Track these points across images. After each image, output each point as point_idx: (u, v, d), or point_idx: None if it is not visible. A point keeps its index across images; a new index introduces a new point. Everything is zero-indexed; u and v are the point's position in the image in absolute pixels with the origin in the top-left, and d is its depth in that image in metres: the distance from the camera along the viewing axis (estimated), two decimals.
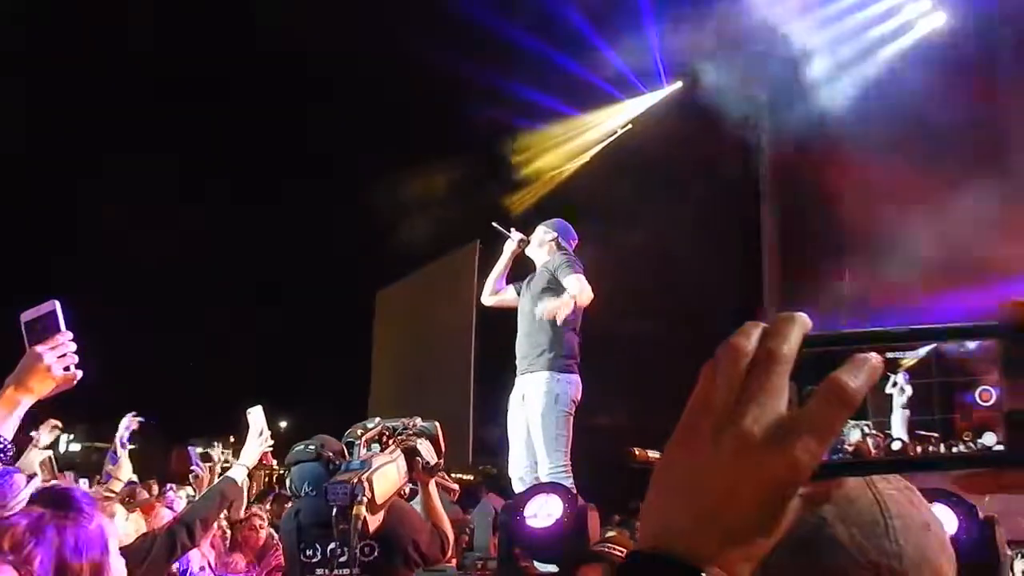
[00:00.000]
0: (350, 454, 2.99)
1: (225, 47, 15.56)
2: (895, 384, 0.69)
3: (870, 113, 10.98)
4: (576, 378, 5.42)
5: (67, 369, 1.97)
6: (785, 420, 0.61)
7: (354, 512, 2.63)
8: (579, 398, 5.39)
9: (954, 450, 0.66)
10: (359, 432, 3.03)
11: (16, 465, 4.29)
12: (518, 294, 5.80)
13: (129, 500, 4.49)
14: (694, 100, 12.51)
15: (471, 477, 11.90)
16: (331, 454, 2.98)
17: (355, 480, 2.69)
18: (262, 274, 19.26)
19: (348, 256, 17.65)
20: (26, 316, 1.99)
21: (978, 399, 0.65)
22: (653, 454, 4.13)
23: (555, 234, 5.81)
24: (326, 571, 2.84)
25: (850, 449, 0.66)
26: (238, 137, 16.99)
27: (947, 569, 0.94)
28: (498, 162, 15.09)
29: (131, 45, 15.71)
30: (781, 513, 0.61)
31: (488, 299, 6.04)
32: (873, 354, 0.62)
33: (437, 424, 3.20)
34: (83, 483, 5.43)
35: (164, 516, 4.55)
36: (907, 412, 0.71)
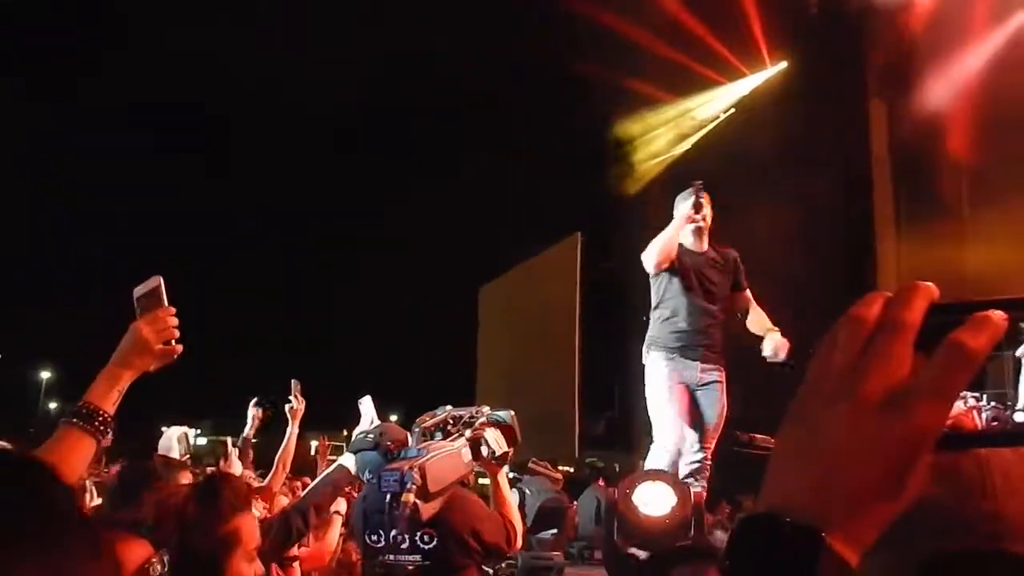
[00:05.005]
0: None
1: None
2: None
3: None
4: None
5: (167, 344, 1.94)
6: (905, 385, 0.59)
7: (403, 499, 2.65)
8: None
9: None
10: (427, 420, 3.06)
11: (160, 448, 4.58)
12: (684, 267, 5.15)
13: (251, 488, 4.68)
14: (799, 80, 12.20)
15: (571, 469, 11.83)
16: (390, 443, 2.99)
17: (405, 468, 2.72)
18: (374, 272, 19.72)
19: (454, 253, 17.91)
20: (137, 291, 1.99)
21: None
22: (760, 437, 4.04)
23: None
24: (389, 557, 2.87)
25: (949, 422, 0.62)
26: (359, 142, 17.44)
27: None
28: (600, 153, 15.02)
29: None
30: (904, 480, 0.59)
31: (658, 266, 5.14)
32: (995, 312, 0.59)
33: (512, 414, 3.16)
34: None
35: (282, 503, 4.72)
36: None
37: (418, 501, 2.70)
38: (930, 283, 0.61)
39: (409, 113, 17.12)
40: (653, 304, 5.21)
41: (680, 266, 5.12)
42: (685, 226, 5.11)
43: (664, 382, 4.96)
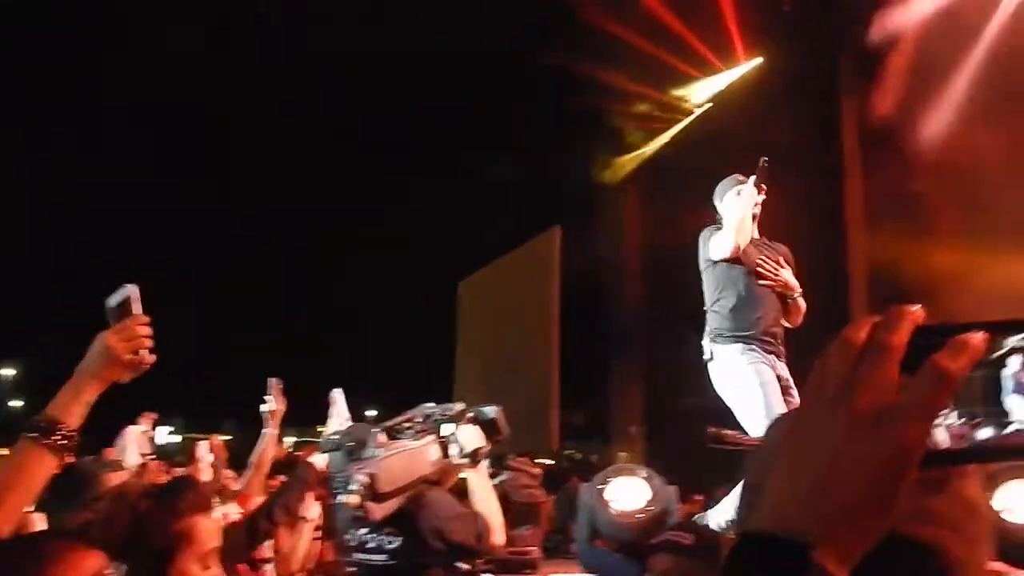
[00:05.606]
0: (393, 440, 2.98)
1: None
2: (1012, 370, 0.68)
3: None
4: None
5: (136, 354, 1.87)
6: (890, 406, 0.62)
7: (346, 501, 2.64)
8: None
9: None
10: (393, 419, 3.04)
11: (115, 447, 4.44)
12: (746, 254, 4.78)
13: (222, 489, 4.59)
14: (773, 75, 12.27)
15: (550, 462, 11.87)
16: (352, 443, 2.96)
17: (353, 470, 2.71)
18: (349, 269, 19.68)
19: (433, 247, 17.89)
20: (109, 301, 1.93)
21: None
22: (729, 433, 4.04)
23: None
24: (360, 556, 2.86)
25: None
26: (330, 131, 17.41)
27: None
28: (577, 147, 15.04)
29: None
30: (893, 497, 0.62)
31: (736, 250, 4.72)
32: (975, 335, 0.62)
33: (497, 409, 3.12)
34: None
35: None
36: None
37: (368, 503, 2.68)
38: (916, 306, 0.64)
39: (391, 111, 17.05)
40: (712, 295, 4.84)
41: (743, 252, 4.76)
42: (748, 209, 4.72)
43: (747, 366, 4.57)
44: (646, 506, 3.94)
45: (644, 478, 4.06)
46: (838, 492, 0.61)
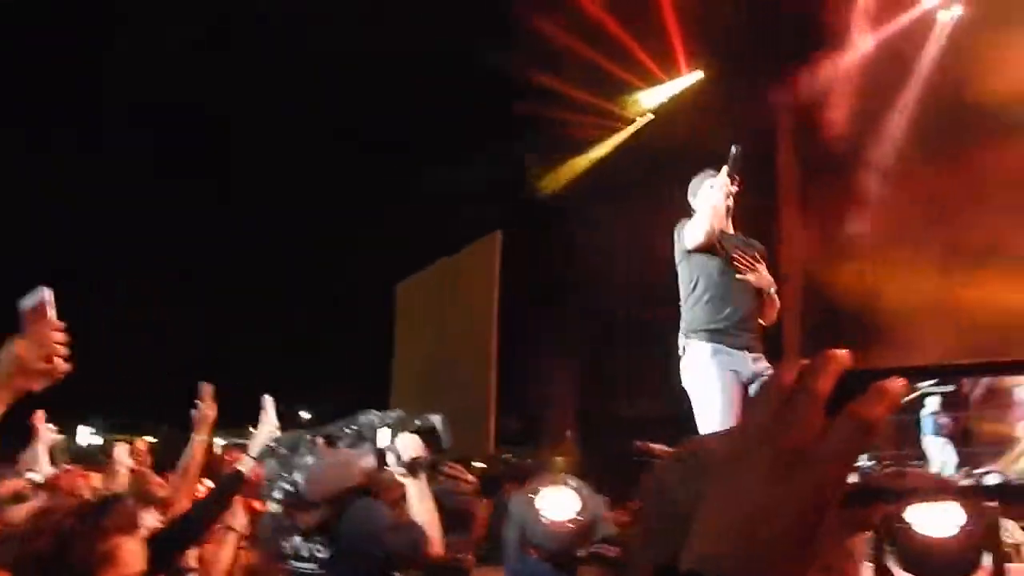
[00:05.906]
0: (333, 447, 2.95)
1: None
2: (929, 412, 0.72)
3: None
4: None
5: (49, 361, 1.80)
6: (811, 448, 0.65)
7: (272, 509, 2.63)
8: None
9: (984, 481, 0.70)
10: (328, 428, 3.01)
11: (23, 458, 4.30)
12: (721, 246, 4.78)
13: (146, 494, 4.47)
14: (713, 89, 12.46)
15: (485, 466, 11.87)
16: (285, 451, 2.92)
17: (276, 477, 2.70)
18: (281, 267, 19.44)
19: (370, 248, 17.78)
20: (24, 304, 1.86)
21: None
22: (656, 447, 4.08)
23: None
24: (292, 564, 2.83)
25: None
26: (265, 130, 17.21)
27: None
28: (519, 153, 15.08)
29: None
30: (813, 537, 0.64)
31: (710, 235, 4.69)
32: (895, 381, 0.66)
33: (438, 417, 3.10)
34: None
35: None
36: (944, 440, 0.74)
37: (295, 511, 2.65)
38: (843, 351, 0.68)
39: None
40: (687, 289, 4.82)
41: (719, 244, 4.75)
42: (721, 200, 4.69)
43: (713, 370, 4.57)
44: (575, 516, 3.93)
45: (574, 488, 4.05)
46: (761, 532, 0.63)
